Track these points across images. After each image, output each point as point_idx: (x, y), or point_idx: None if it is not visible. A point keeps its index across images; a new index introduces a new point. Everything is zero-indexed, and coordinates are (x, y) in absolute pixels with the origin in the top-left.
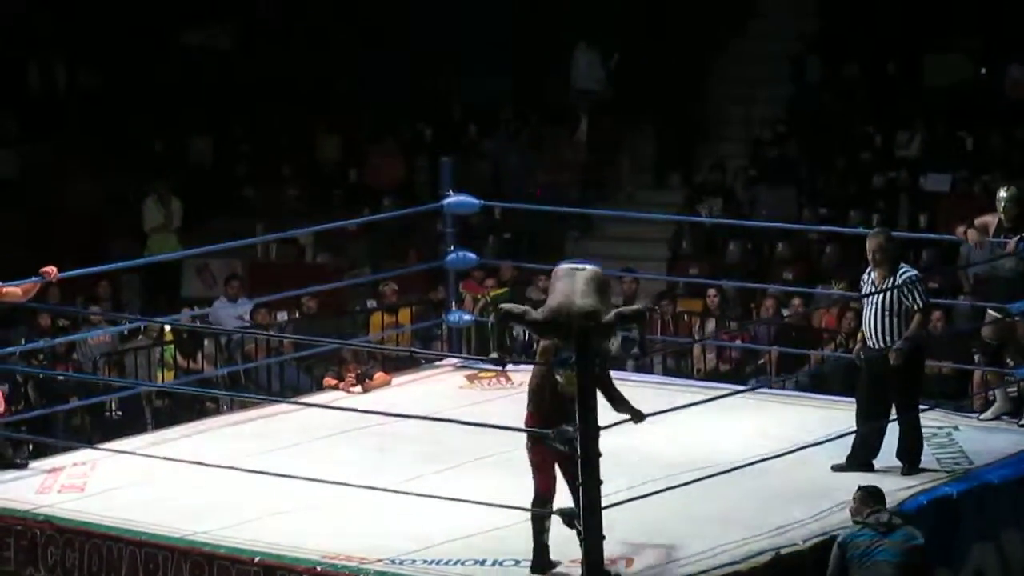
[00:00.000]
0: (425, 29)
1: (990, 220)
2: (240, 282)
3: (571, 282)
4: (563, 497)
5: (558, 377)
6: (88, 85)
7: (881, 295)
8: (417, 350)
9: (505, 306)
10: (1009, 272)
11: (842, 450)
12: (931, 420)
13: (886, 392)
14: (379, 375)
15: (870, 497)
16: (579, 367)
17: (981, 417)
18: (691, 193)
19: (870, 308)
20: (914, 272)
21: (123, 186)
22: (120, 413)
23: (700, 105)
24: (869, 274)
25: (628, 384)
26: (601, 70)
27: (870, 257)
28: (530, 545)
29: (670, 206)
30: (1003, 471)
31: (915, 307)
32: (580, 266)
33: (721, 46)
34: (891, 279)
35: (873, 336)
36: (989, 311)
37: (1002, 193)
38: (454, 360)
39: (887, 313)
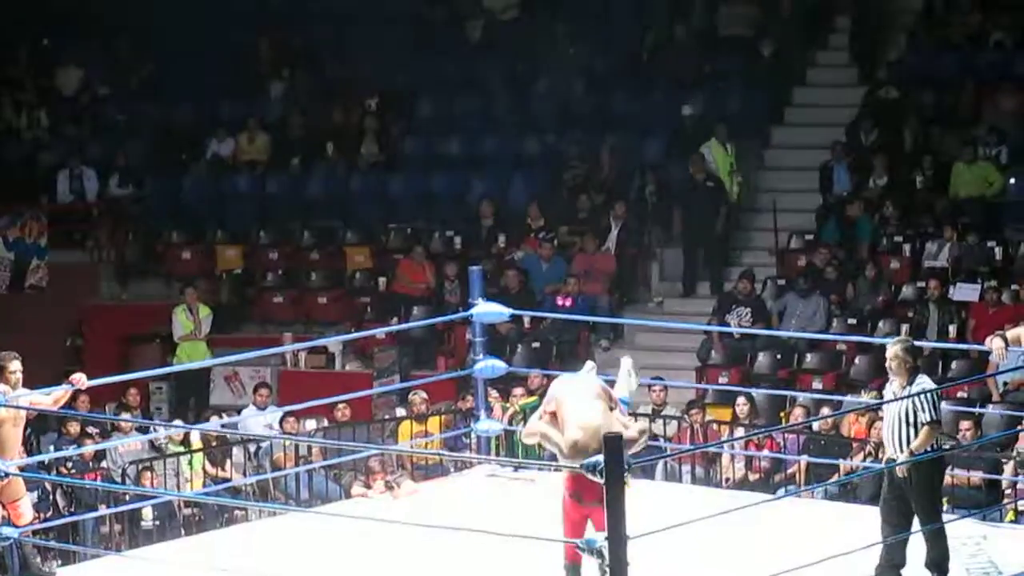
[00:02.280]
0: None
1: (1023, 332)
2: (269, 390)
3: (582, 403)
4: None
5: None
6: (118, 194)
7: (898, 405)
8: (446, 453)
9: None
10: None
11: (874, 559)
12: (961, 529)
13: (907, 502)
14: (408, 484)
15: None
16: (607, 477)
17: None
18: (720, 302)
19: (889, 418)
20: (930, 384)
21: (154, 294)
22: (157, 522)
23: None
24: (891, 383)
25: (656, 489)
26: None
27: (888, 366)
28: None
29: (699, 315)
30: None
31: (924, 420)
32: (581, 382)
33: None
34: (908, 389)
35: (891, 446)
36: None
37: None
38: (484, 468)
39: (903, 423)
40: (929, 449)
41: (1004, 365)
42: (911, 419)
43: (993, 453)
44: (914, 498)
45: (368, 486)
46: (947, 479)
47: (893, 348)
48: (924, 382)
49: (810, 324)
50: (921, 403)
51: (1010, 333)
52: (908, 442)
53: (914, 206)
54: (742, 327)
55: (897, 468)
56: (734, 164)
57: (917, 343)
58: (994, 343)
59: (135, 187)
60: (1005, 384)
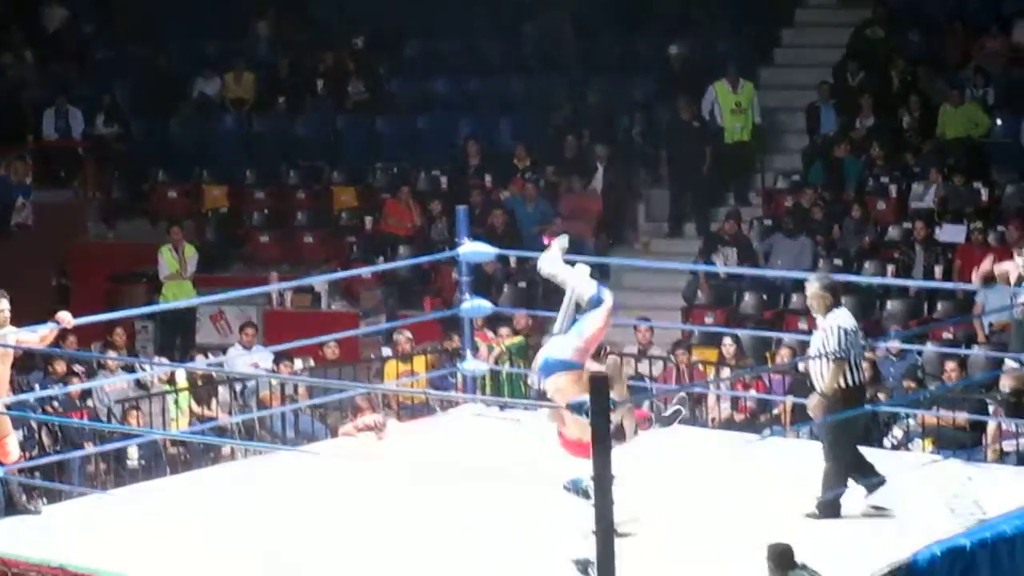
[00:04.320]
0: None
1: (1011, 268)
2: (255, 329)
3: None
4: None
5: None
6: (104, 132)
7: (817, 342)
8: (432, 392)
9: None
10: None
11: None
12: (945, 470)
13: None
14: (393, 423)
15: (782, 557)
16: (593, 414)
17: None
18: (707, 243)
19: (811, 360)
20: (845, 319)
21: (139, 233)
22: (143, 461)
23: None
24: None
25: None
26: None
27: (808, 304)
28: None
29: (685, 255)
30: (1017, 521)
31: (831, 356)
32: None
33: None
34: (821, 323)
35: (813, 381)
36: (1007, 361)
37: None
38: (469, 407)
39: (820, 360)
40: (843, 386)
41: (989, 305)
42: (824, 355)
43: (978, 394)
44: (821, 436)
45: (354, 425)
46: (932, 419)
47: (811, 287)
48: (838, 317)
49: (796, 265)
50: (830, 339)
51: (999, 267)
52: (822, 378)
53: (901, 147)
54: (727, 267)
55: (808, 406)
56: (742, 104)
57: (835, 277)
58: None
59: (121, 126)
60: (991, 325)
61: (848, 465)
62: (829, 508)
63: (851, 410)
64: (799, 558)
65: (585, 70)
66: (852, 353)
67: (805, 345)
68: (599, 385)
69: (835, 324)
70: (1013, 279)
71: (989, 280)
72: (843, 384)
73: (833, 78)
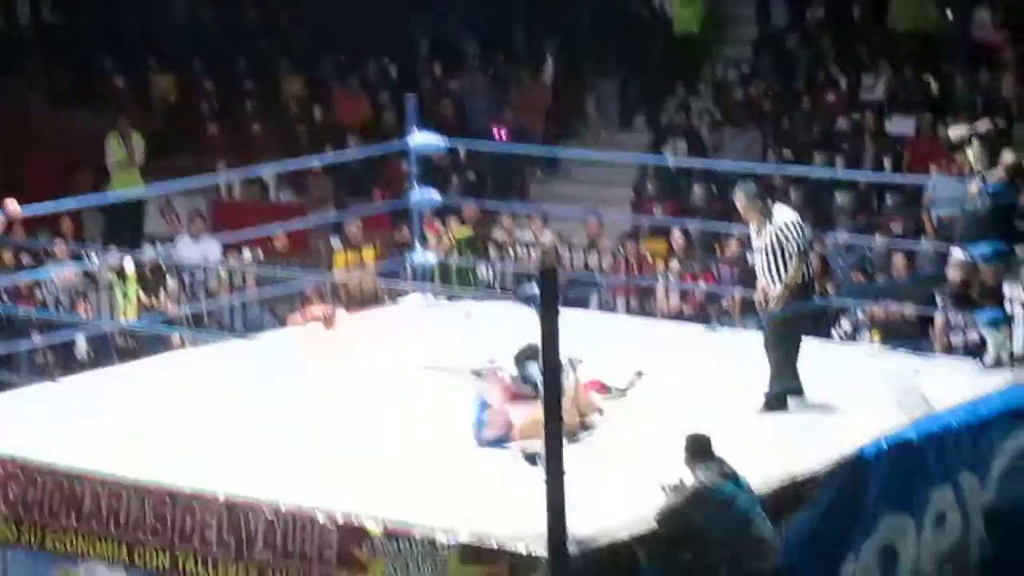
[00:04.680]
0: None
1: (963, 161)
2: (203, 220)
3: None
4: None
5: None
6: (51, 21)
7: (765, 243)
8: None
9: None
10: (971, 214)
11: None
12: (893, 363)
13: None
14: (342, 314)
15: (695, 445)
16: (543, 306)
17: (986, 363)
18: (656, 135)
19: (759, 258)
20: (791, 214)
21: (86, 122)
22: (91, 352)
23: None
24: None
25: (593, 321)
26: None
27: (743, 217)
28: (492, 482)
29: (635, 147)
30: (964, 414)
31: (792, 250)
32: None
33: None
34: (768, 225)
35: (764, 279)
36: (953, 253)
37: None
38: (418, 298)
39: (775, 257)
40: (800, 281)
41: (939, 197)
42: (780, 252)
43: (926, 287)
44: (770, 330)
45: (303, 315)
46: (880, 312)
47: (739, 201)
48: (784, 214)
49: (745, 156)
50: (786, 235)
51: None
52: (779, 275)
53: (851, 39)
54: (677, 160)
55: (771, 300)
56: None
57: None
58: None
59: (68, 14)
60: (939, 218)
61: (790, 359)
62: (776, 401)
63: (803, 303)
64: (728, 455)
65: None
66: (805, 245)
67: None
68: (548, 277)
69: (785, 221)
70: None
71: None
72: (800, 279)
73: None
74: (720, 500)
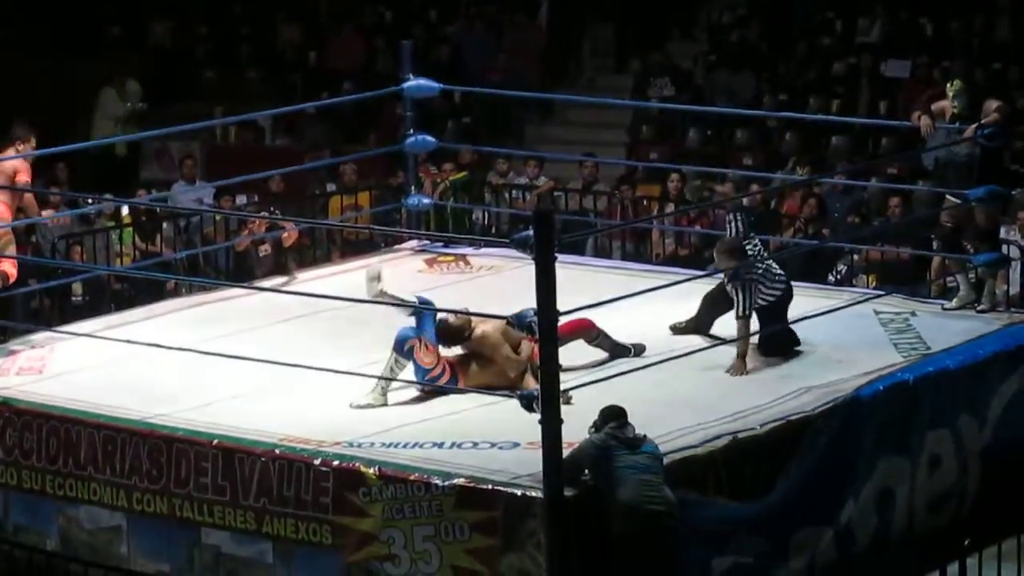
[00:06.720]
0: None
1: (946, 105)
2: (196, 163)
3: None
4: None
5: None
6: None
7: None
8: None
9: None
10: (964, 158)
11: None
12: (889, 306)
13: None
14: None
15: (602, 415)
16: (538, 250)
17: (946, 307)
18: (641, 74)
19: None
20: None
21: (82, 70)
22: (87, 297)
23: None
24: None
25: (587, 269)
26: None
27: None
28: (484, 427)
29: (630, 91)
30: (960, 356)
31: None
32: None
33: None
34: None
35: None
36: (947, 197)
37: (950, 88)
38: (413, 244)
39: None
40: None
41: (933, 141)
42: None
43: (921, 230)
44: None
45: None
46: (875, 255)
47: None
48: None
49: (740, 100)
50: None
51: (935, 106)
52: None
53: None
54: (664, 98)
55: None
56: None
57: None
58: (922, 121)
59: None
60: (936, 160)
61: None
62: (770, 344)
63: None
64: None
65: None
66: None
67: (749, 181)
68: (544, 221)
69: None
70: (948, 117)
71: (930, 125)
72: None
73: None
74: (599, 456)
